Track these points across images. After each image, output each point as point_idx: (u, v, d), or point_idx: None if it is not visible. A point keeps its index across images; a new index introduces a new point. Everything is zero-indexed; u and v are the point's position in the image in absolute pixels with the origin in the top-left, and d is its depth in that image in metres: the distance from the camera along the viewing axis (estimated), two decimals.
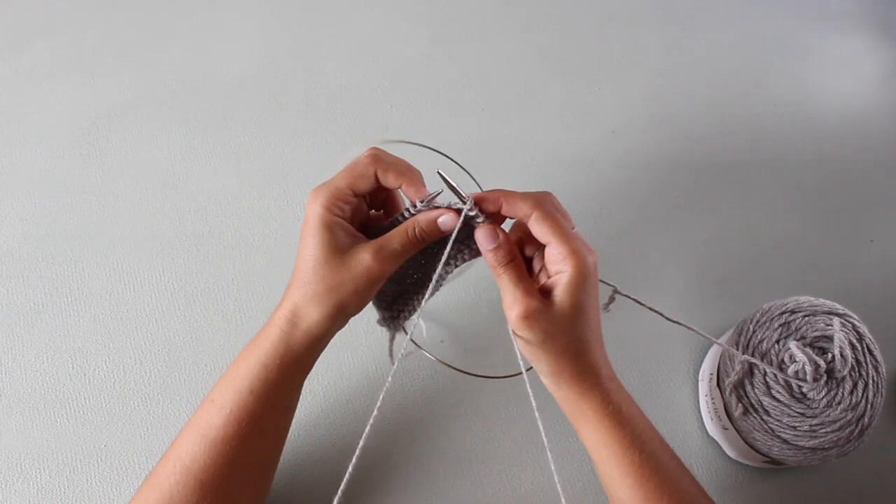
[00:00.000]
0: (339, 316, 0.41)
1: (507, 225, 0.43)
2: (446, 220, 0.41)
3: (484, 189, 0.44)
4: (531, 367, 0.43)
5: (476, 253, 0.43)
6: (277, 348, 0.42)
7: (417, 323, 0.43)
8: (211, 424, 0.42)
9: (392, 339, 0.48)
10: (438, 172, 0.41)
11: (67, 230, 0.64)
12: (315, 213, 0.40)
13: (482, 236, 0.41)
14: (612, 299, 0.45)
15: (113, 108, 0.71)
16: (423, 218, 0.42)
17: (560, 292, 0.39)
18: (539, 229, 0.40)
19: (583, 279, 0.39)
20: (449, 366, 0.54)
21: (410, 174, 0.42)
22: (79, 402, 0.57)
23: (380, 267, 0.40)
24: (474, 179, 0.50)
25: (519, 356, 0.42)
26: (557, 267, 0.39)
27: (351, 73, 0.75)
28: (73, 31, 0.76)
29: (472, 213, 0.41)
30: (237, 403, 0.42)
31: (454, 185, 0.41)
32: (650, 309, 0.45)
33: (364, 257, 0.40)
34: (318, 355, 0.45)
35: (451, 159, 0.49)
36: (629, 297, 0.44)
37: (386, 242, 0.41)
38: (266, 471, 0.46)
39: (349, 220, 0.42)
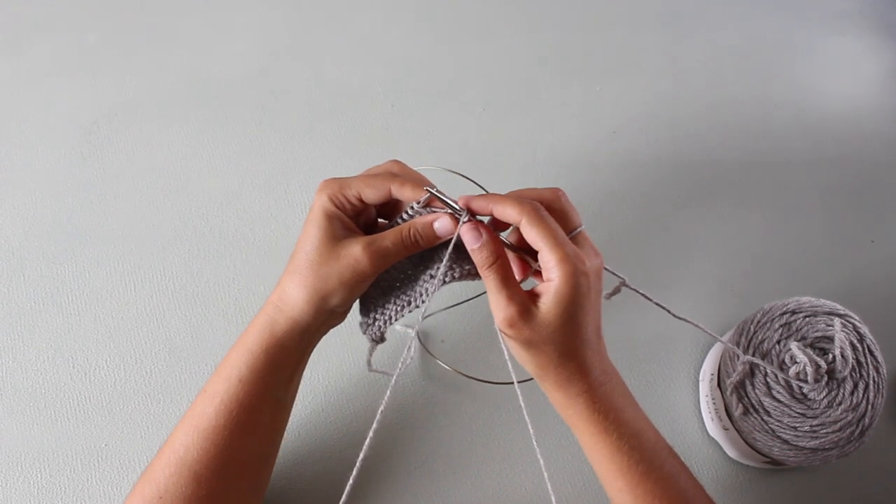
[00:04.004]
0: (321, 305, 0.41)
1: None
2: (442, 225, 0.41)
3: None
4: (531, 379, 0.43)
5: (467, 274, 0.43)
6: (262, 334, 0.42)
7: (412, 332, 0.42)
8: (203, 414, 0.42)
9: (372, 349, 0.47)
10: (427, 189, 0.41)
11: (67, 230, 0.64)
12: (318, 204, 0.42)
13: (466, 235, 0.40)
14: (617, 290, 0.44)
15: (114, 108, 0.71)
16: (420, 220, 0.42)
17: (546, 301, 0.39)
18: (528, 235, 0.39)
19: (570, 289, 0.38)
20: (460, 373, 0.54)
21: (428, 188, 0.42)
22: (79, 401, 0.57)
23: (367, 261, 0.40)
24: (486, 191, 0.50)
25: (508, 361, 0.41)
26: (548, 274, 0.39)
27: (352, 73, 0.75)
28: (74, 30, 0.76)
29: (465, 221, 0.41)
30: (227, 392, 0.42)
31: (447, 199, 0.41)
32: (657, 304, 0.45)
33: (354, 249, 0.40)
34: (308, 347, 0.45)
35: (472, 181, 0.49)
36: (637, 291, 0.44)
37: (378, 238, 0.41)
38: (262, 464, 0.46)
39: (352, 219, 0.43)
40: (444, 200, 0.41)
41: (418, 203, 0.41)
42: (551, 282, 0.38)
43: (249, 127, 0.71)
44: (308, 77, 0.74)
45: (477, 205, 0.41)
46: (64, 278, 0.62)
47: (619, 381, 0.43)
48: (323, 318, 0.43)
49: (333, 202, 0.41)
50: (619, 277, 0.44)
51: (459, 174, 0.47)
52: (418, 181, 0.42)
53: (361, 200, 0.42)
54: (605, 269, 0.42)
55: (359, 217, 0.44)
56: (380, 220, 0.47)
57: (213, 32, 0.77)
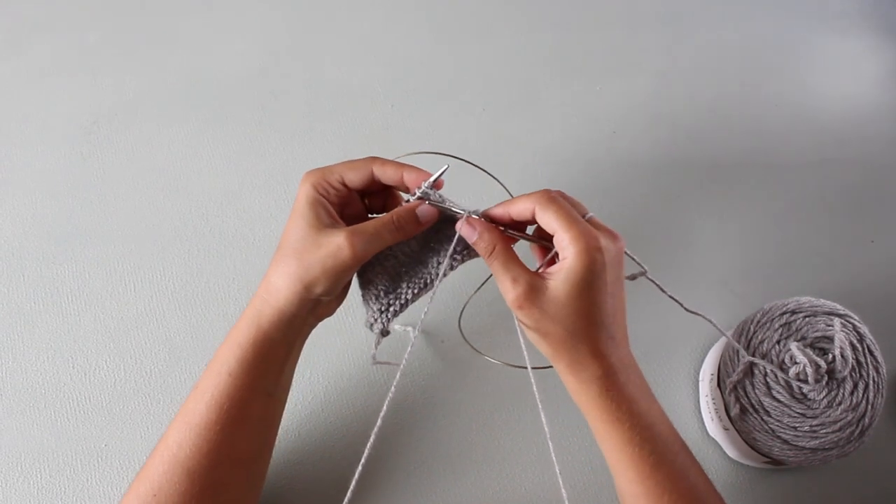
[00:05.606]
0: (305, 294, 0.41)
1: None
2: (424, 212, 0.42)
3: (513, 193, 0.46)
4: (550, 366, 0.43)
5: (475, 253, 0.44)
6: (250, 326, 0.42)
7: (413, 329, 0.42)
8: (195, 410, 0.42)
9: (378, 341, 0.47)
10: (429, 200, 0.42)
11: (67, 230, 0.64)
12: (302, 193, 0.42)
13: (464, 232, 0.42)
14: (634, 277, 0.45)
15: (114, 108, 0.71)
16: (402, 208, 0.42)
17: (557, 278, 0.39)
18: (542, 220, 0.40)
19: (582, 266, 0.38)
20: (488, 357, 0.53)
21: (410, 166, 0.42)
22: (79, 401, 0.57)
23: (350, 249, 0.40)
24: (504, 186, 0.50)
25: (524, 347, 0.42)
26: (563, 254, 0.39)
27: (352, 73, 0.75)
28: (74, 30, 0.76)
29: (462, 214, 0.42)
30: (217, 387, 0.42)
31: (449, 206, 0.42)
32: (670, 297, 0.45)
33: (337, 237, 0.40)
34: (296, 339, 0.44)
35: (485, 170, 0.49)
36: (654, 282, 0.45)
37: (361, 227, 0.41)
38: (256, 459, 0.46)
39: (337, 208, 0.43)
40: (442, 207, 0.42)
41: (428, 183, 0.42)
42: (565, 259, 0.39)
43: (249, 127, 0.71)
44: (308, 77, 0.74)
45: (494, 212, 0.42)
46: (64, 278, 0.62)
47: (636, 373, 0.43)
48: (309, 307, 0.43)
49: (317, 189, 0.42)
50: (642, 268, 0.44)
51: (455, 157, 0.47)
52: (400, 162, 0.43)
53: (345, 185, 0.42)
54: (627, 254, 0.43)
55: (345, 208, 0.44)
56: (372, 214, 0.47)
57: (213, 32, 0.77)
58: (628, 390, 0.41)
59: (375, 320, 0.46)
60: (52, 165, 0.67)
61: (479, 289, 0.55)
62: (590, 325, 0.40)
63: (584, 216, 0.41)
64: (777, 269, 0.67)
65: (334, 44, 0.77)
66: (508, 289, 0.40)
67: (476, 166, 0.49)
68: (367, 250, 0.41)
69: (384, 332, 0.46)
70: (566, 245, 0.39)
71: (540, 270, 0.42)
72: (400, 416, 0.57)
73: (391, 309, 0.45)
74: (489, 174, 0.49)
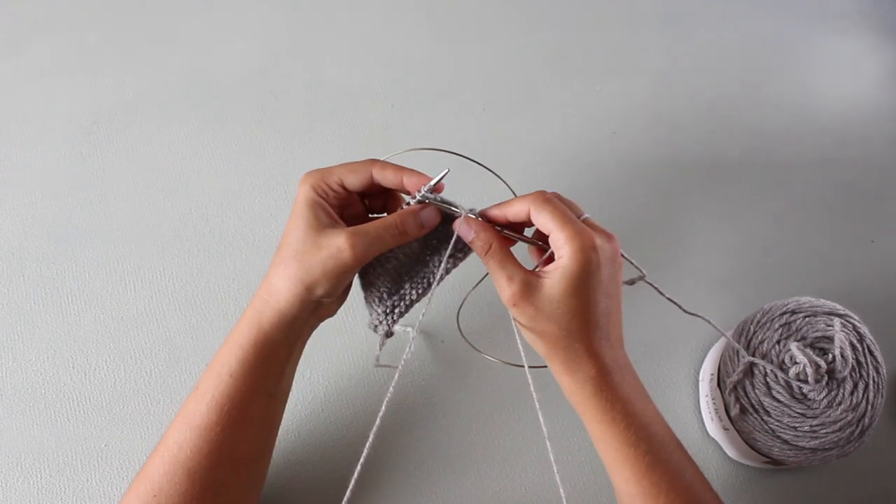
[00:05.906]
0: (306, 296, 0.41)
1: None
2: (427, 216, 0.42)
3: (514, 190, 0.46)
4: (545, 366, 0.43)
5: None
6: (251, 327, 0.42)
7: (411, 330, 0.42)
8: (196, 411, 0.42)
9: (382, 343, 0.47)
10: (425, 195, 0.42)
11: (67, 230, 0.64)
12: (301, 194, 0.42)
13: (461, 231, 0.42)
14: (632, 282, 0.45)
15: (114, 108, 0.71)
16: (404, 212, 0.42)
17: (552, 276, 0.39)
18: (538, 221, 0.40)
19: (578, 265, 0.38)
20: (491, 357, 0.53)
21: (410, 169, 0.42)
22: (79, 401, 0.57)
23: (351, 251, 0.40)
24: (509, 186, 0.50)
25: (520, 346, 0.42)
26: (559, 253, 0.39)
27: (352, 73, 0.75)
28: (74, 30, 0.76)
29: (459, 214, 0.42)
30: (218, 388, 0.42)
31: (447, 204, 0.42)
32: (669, 299, 0.45)
33: (337, 239, 0.40)
34: (297, 341, 0.44)
35: (486, 167, 0.49)
36: (653, 286, 0.45)
37: (362, 228, 0.41)
38: (256, 460, 0.46)
39: (336, 210, 0.43)
40: (439, 205, 0.42)
41: (428, 187, 0.42)
42: (561, 258, 0.39)
43: (249, 127, 0.71)
44: (308, 77, 0.74)
45: (491, 213, 0.42)
46: (64, 278, 0.62)
47: (631, 373, 0.43)
48: (310, 308, 0.42)
49: (316, 191, 0.42)
50: (640, 271, 0.45)
51: (457, 154, 0.47)
52: (399, 165, 0.43)
53: (344, 187, 0.42)
54: (624, 256, 0.43)
55: (345, 209, 0.44)
56: (372, 215, 0.47)
57: (213, 32, 0.77)
58: (623, 390, 0.41)
59: (380, 322, 0.46)
60: (52, 165, 0.67)
61: (477, 285, 0.55)
62: (585, 324, 0.40)
63: (579, 217, 0.41)
64: (777, 269, 0.67)
65: (334, 44, 0.77)
66: (504, 286, 0.40)
67: (478, 163, 0.48)
68: (369, 252, 0.41)
69: (388, 334, 0.46)
70: (561, 244, 0.39)
71: (537, 270, 0.42)
72: (400, 416, 0.57)
73: (396, 310, 0.45)
74: (489, 170, 0.49)
